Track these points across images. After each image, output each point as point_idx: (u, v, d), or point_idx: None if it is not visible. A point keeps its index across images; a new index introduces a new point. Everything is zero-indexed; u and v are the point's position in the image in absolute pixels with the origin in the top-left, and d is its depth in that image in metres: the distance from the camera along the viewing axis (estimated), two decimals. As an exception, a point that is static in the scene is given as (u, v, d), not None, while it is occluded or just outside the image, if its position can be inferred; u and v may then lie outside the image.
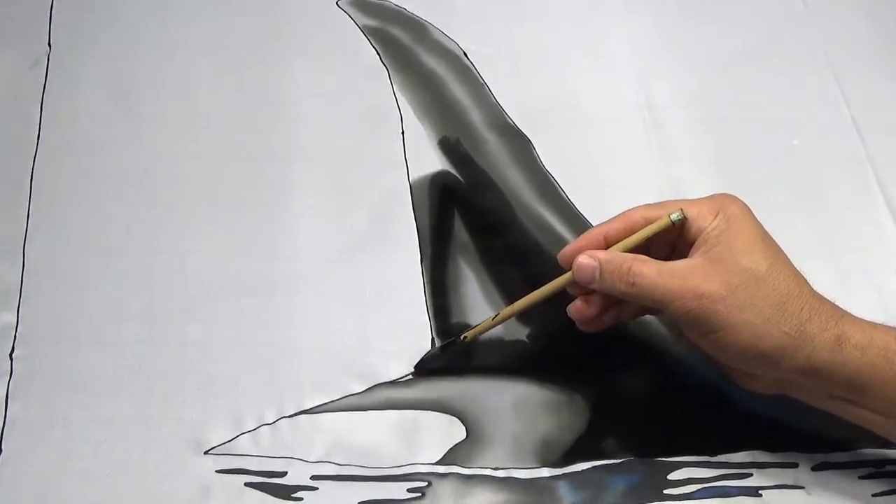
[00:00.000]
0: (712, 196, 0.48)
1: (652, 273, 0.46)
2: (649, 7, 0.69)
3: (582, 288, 0.49)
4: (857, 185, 0.61)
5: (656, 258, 0.47)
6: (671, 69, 0.66)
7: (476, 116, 0.62)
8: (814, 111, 0.64)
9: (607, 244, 0.48)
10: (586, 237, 0.49)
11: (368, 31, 0.65)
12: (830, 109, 0.65)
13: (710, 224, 0.47)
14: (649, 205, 0.49)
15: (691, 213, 0.47)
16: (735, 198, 0.48)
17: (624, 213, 0.49)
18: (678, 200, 0.48)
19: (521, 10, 0.67)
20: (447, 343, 0.52)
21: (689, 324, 0.46)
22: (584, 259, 0.47)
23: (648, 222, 0.48)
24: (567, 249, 0.49)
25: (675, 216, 0.47)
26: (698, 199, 0.48)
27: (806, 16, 0.69)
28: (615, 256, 0.47)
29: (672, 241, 0.49)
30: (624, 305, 0.50)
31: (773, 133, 0.63)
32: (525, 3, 0.68)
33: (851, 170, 0.62)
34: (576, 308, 0.50)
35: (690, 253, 0.47)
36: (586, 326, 0.50)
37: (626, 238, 0.48)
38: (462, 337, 0.51)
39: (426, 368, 0.52)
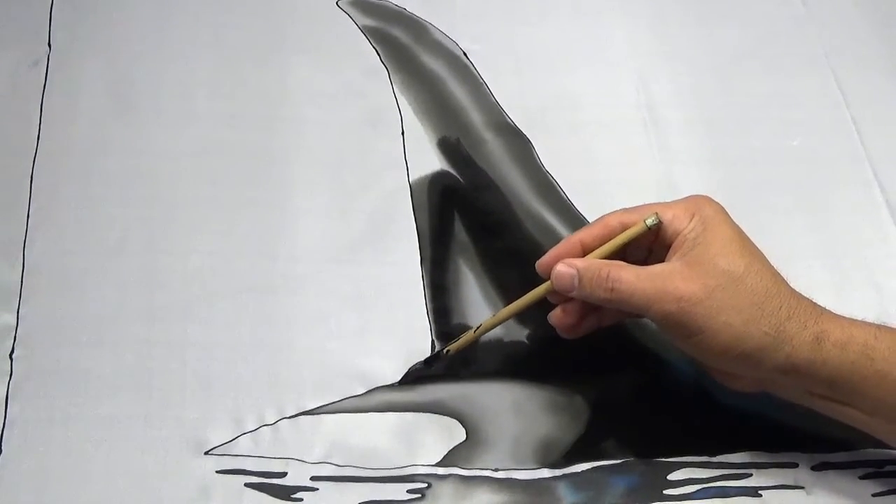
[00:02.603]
0: (687, 198, 0.48)
1: (630, 278, 0.46)
2: (649, 7, 0.69)
3: (561, 296, 0.49)
4: (857, 185, 0.61)
5: (633, 263, 0.47)
6: (671, 69, 0.66)
7: (476, 116, 0.62)
8: (814, 111, 0.64)
9: (584, 251, 0.48)
10: (563, 245, 0.49)
11: (368, 31, 0.65)
12: (830, 109, 0.65)
13: (686, 227, 0.47)
14: (625, 209, 0.49)
15: (667, 216, 0.47)
16: (710, 199, 0.48)
17: (600, 218, 0.49)
18: (653, 204, 0.48)
19: (520, 10, 0.67)
20: (430, 357, 0.52)
21: (670, 327, 0.46)
22: (562, 267, 0.47)
23: (625, 227, 0.48)
24: (545, 258, 0.49)
25: (650, 221, 0.47)
26: (673, 202, 0.48)
27: (805, 16, 0.69)
28: (593, 263, 0.47)
29: (648, 244, 0.49)
30: (603, 311, 0.50)
31: (772, 133, 0.63)
32: (525, 3, 0.68)
33: (851, 170, 0.62)
34: (555, 316, 0.50)
35: (668, 256, 0.47)
36: (567, 334, 0.50)
37: (603, 244, 0.48)
38: (445, 350, 0.51)
39: (410, 380, 0.52)
